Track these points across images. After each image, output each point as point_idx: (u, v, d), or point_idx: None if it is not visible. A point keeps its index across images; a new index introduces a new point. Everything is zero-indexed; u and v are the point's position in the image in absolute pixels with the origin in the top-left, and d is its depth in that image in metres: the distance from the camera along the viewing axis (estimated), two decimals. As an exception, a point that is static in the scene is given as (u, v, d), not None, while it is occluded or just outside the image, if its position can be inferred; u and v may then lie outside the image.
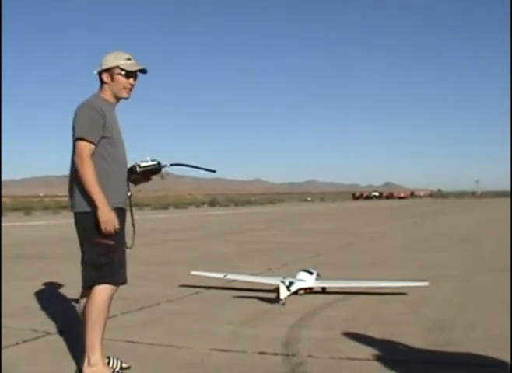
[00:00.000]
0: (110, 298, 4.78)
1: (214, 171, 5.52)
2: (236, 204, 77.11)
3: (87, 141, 4.65)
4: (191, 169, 5.33)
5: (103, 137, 4.75)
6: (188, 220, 37.01)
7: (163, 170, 5.08)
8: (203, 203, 76.67)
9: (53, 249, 16.60)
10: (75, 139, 4.69)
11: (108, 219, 4.64)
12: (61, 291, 8.69)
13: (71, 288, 8.02)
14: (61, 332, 6.35)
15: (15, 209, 50.13)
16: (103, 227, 4.63)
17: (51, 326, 6.62)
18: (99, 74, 4.97)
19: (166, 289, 9.30)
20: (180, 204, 70.19)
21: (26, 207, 50.48)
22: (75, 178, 4.72)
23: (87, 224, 4.71)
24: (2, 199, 59.78)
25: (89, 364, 4.69)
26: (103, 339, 4.78)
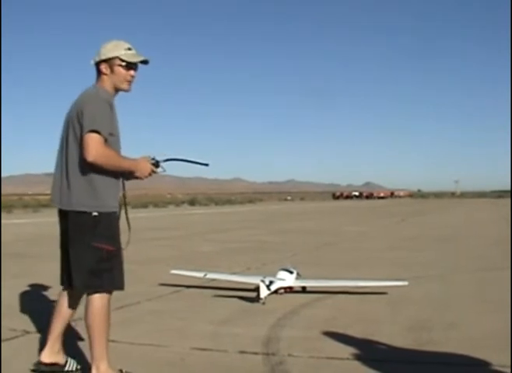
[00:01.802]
0: (109, 304, 4.64)
1: (207, 165, 5.20)
2: (216, 203, 77.01)
3: (100, 134, 4.38)
4: (179, 164, 5.16)
5: (109, 134, 4.49)
6: (168, 219, 36.90)
7: (160, 167, 4.86)
8: (183, 202, 76.52)
9: (33, 247, 16.48)
10: (88, 131, 4.35)
11: (146, 168, 4.71)
12: (41, 289, 8.61)
13: (51, 287, 7.99)
14: (40, 330, 6.29)
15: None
16: (143, 175, 4.71)
17: (30, 325, 6.58)
18: (97, 64, 4.68)
19: (146, 288, 9.26)
20: (160, 203, 69.97)
21: (6, 206, 50.14)
22: (82, 172, 4.48)
23: (85, 225, 4.51)
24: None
25: (98, 371, 4.55)
26: (108, 345, 4.65)
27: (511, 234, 18.43)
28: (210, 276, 9.40)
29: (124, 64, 4.67)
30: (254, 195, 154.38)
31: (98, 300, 4.55)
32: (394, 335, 6.20)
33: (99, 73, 4.71)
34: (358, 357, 5.36)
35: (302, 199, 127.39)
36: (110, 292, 4.64)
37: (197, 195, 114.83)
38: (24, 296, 8.33)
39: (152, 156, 4.80)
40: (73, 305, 4.86)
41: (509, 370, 4.94)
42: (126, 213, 4.89)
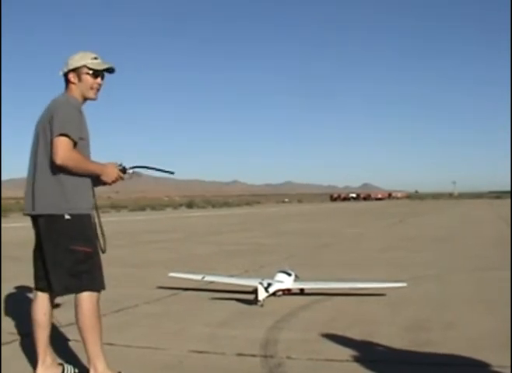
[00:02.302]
0: (98, 304, 4.64)
1: (172, 173, 5.35)
2: (213, 206, 77.06)
3: (70, 138, 4.46)
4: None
5: (79, 139, 4.58)
6: (166, 222, 36.92)
7: (127, 173, 4.94)
8: (181, 205, 76.60)
9: (28, 251, 16.41)
10: (58, 135, 4.44)
11: (113, 172, 4.74)
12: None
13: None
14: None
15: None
16: (110, 180, 4.73)
17: (27, 329, 6.56)
18: (65, 74, 4.82)
19: (144, 291, 9.26)
20: (158, 206, 70.04)
21: (3, 209, 50.07)
22: (52, 176, 4.54)
23: (61, 228, 4.55)
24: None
25: (96, 371, 4.55)
26: (103, 344, 4.65)
27: (511, 234, 18.45)
28: (208, 278, 9.40)
29: (91, 72, 4.82)
30: (251, 197, 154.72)
31: (87, 301, 4.57)
32: (392, 336, 6.19)
33: (68, 82, 4.84)
34: (357, 359, 5.35)
35: (299, 201, 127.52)
36: (96, 294, 4.65)
37: (194, 198, 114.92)
38: (21, 299, 8.32)
39: (119, 162, 4.88)
40: (47, 309, 4.83)
41: (509, 370, 4.94)
42: (98, 218, 4.87)
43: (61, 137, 4.44)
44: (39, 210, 4.60)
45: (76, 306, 4.59)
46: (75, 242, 4.56)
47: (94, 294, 4.62)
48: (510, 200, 75.00)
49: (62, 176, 4.55)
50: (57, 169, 4.50)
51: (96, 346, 4.56)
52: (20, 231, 24.43)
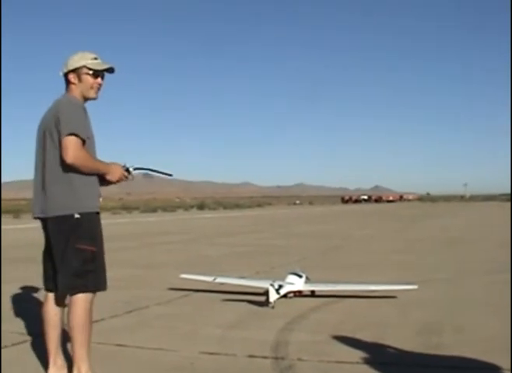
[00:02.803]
0: (92, 305, 4.65)
1: (171, 175, 5.41)
2: (224, 207, 77.05)
3: (79, 137, 4.50)
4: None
5: (86, 138, 4.63)
6: (177, 223, 36.96)
7: (131, 174, 4.96)
8: (192, 207, 76.65)
9: (40, 252, 16.45)
10: (66, 134, 4.47)
11: (118, 172, 4.80)
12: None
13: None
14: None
15: (4, 212, 49.92)
16: (114, 179, 4.78)
17: (38, 329, 6.58)
18: (65, 75, 4.85)
19: (155, 292, 9.28)
20: (169, 207, 70.09)
21: (14, 210, 50.26)
22: (61, 176, 4.57)
23: (68, 227, 4.57)
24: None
25: None
26: (90, 347, 4.66)
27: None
28: (219, 280, 9.39)
29: (91, 72, 4.85)
30: (262, 199, 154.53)
31: (81, 301, 4.58)
32: (403, 338, 6.19)
33: (68, 83, 4.87)
34: (367, 361, 5.35)
35: (311, 203, 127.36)
36: (93, 295, 4.67)
37: (205, 199, 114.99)
38: (33, 300, 8.34)
39: (122, 163, 4.93)
40: (58, 310, 4.85)
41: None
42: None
43: (70, 137, 4.47)
44: (50, 213, 4.62)
45: (70, 305, 4.60)
46: (82, 240, 4.59)
47: (91, 295, 4.64)
48: None
49: (72, 176, 4.58)
50: (67, 168, 4.53)
51: (83, 348, 4.56)
52: (32, 232, 24.50)
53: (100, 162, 4.75)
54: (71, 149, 4.46)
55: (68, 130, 4.49)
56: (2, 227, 28.81)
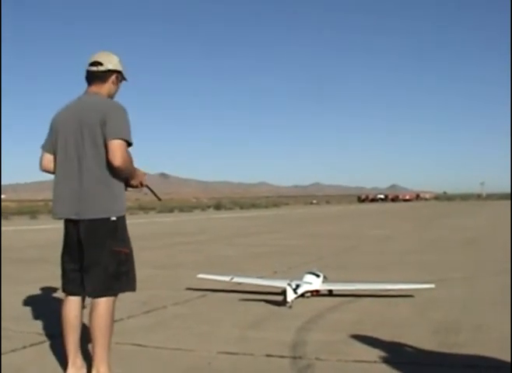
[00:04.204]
0: (114, 307, 4.69)
1: (160, 199, 5.66)
2: (241, 207, 77.01)
3: (126, 142, 4.57)
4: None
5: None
6: (194, 223, 37.00)
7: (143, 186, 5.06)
8: (208, 207, 76.67)
9: (57, 252, 16.54)
10: (115, 138, 4.51)
11: (142, 176, 4.89)
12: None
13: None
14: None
15: (21, 213, 50.16)
16: (137, 183, 4.86)
17: (56, 330, 6.62)
18: (105, 72, 4.86)
19: (173, 292, 9.31)
20: (186, 208, 70.13)
21: (31, 211, 50.47)
22: (101, 179, 4.60)
23: (105, 230, 4.59)
24: (7, 203, 59.76)
25: None
26: (110, 349, 4.68)
27: None
28: (236, 280, 9.40)
29: (123, 80, 5.03)
30: (279, 199, 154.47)
31: (105, 303, 4.60)
32: (421, 338, 6.18)
33: (105, 81, 4.89)
34: (385, 360, 5.35)
35: (327, 202, 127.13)
36: (116, 295, 4.70)
37: (222, 199, 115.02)
38: (49, 300, 8.37)
39: None
40: (78, 312, 4.86)
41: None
42: None
43: (119, 141, 4.53)
44: (87, 215, 4.60)
45: (93, 305, 4.61)
46: (117, 243, 4.65)
47: (114, 298, 4.68)
48: None
49: (112, 180, 4.62)
50: (112, 170, 4.56)
51: (103, 350, 4.57)
52: (49, 233, 24.72)
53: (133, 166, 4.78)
54: (120, 153, 4.51)
55: (118, 134, 4.53)
56: (19, 228, 29.00)
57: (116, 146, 4.50)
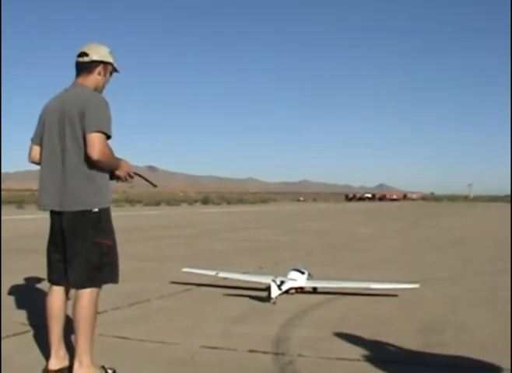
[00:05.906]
0: (98, 299, 4.67)
1: (155, 186, 5.62)
2: (229, 203, 77.08)
3: (105, 134, 4.52)
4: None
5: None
6: (181, 217, 36.99)
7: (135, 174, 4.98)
8: (196, 201, 76.68)
9: (45, 242, 16.48)
10: (94, 131, 4.45)
11: (128, 168, 4.81)
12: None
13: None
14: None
15: (8, 202, 50.02)
16: (123, 174, 4.77)
17: (40, 320, 6.61)
18: (91, 62, 4.80)
19: (158, 285, 9.30)
20: (173, 201, 70.11)
21: (18, 201, 50.34)
22: (83, 171, 4.55)
23: (88, 222, 4.57)
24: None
25: (81, 365, 4.55)
26: (93, 340, 4.66)
27: None
28: (222, 274, 9.40)
29: (113, 71, 4.97)
30: (267, 195, 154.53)
31: (88, 294, 4.59)
32: (404, 336, 6.19)
33: (91, 72, 4.83)
34: (368, 358, 5.36)
35: (314, 200, 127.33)
36: (99, 289, 4.69)
37: (209, 194, 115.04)
38: (37, 290, 8.36)
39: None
40: (63, 302, 4.84)
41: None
42: None
43: (97, 134, 4.47)
44: (70, 207, 4.59)
45: (78, 297, 4.60)
46: (100, 234, 4.62)
47: (97, 288, 4.66)
48: None
49: (94, 172, 4.58)
50: (92, 163, 4.52)
51: (86, 341, 4.56)
52: (36, 222, 24.60)
53: (117, 158, 4.73)
54: (99, 146, 4.46)
55: (96, 127, 4.47)
56: (6, 217, 28.89)
57: (94, 139, 4.45)
